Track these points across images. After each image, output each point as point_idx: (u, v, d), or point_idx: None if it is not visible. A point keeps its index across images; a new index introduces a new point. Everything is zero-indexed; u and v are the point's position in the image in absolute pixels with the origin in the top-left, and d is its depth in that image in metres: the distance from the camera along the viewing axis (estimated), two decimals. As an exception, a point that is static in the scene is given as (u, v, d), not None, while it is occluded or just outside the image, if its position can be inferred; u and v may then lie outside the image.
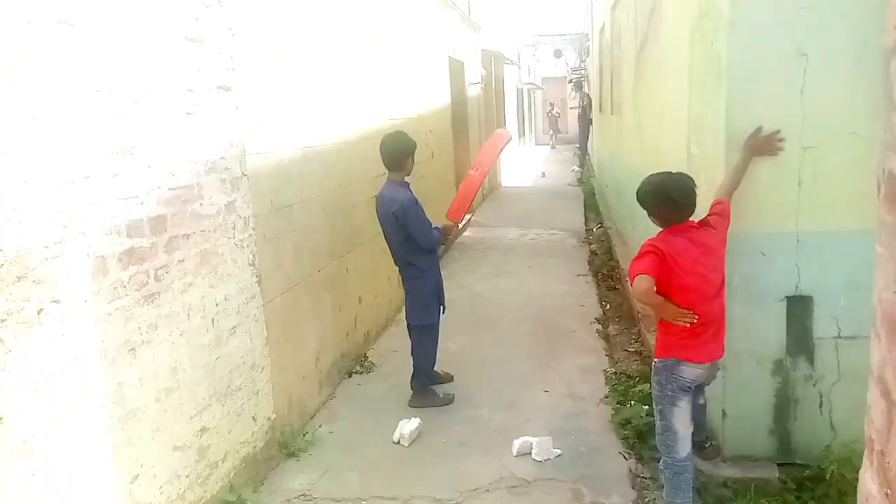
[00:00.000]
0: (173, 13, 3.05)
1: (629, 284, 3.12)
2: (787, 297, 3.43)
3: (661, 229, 3.18)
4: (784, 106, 3.31)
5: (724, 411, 3.57)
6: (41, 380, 2.31)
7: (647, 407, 4.29)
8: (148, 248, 2.85)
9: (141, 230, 2.81)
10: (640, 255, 3.05)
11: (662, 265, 2.99)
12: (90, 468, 2.54)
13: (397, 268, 4.85)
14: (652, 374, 3.27)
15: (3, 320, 2.17)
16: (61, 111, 2.42)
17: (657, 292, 3.05)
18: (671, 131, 4.95)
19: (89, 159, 2.54)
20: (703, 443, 3.55)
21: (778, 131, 3.30)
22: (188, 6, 3.16)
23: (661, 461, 3.24)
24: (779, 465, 3.50)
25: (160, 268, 2.92)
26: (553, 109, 30.59)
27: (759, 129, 3.30)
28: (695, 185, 3.14)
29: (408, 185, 4.77)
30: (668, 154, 5.11)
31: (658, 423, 3.23)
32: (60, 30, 2.42)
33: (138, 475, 2.78)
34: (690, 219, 3.15)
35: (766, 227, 3.41)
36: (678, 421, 3.13)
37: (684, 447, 3.13)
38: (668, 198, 3.08)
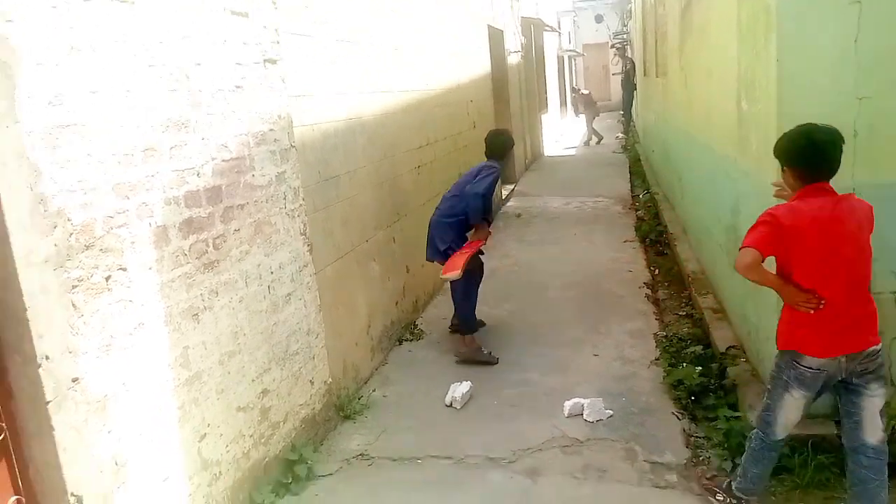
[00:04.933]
0: (219, -13, 3.12)
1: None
2: (843, 250, 3.34)
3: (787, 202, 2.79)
4: (838, 55, 3.21)
5: (778, 368, 3.53)
6: (112, 343, 2.44)
7: (700, 367, 4.28)
8: (205, 217, 2.95)
9: (198, 200, 2.91)
10: (755, 225, 2.70)
11: (780, 238, 2.63)
12: (161, 427, 2.67)
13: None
14: (775, 356, 2.94)
15: (74, 287, 2.28)
16: (118, 86, 2.51)
17: (779, 270, 2.71)
18: (720, 89, 4.84)
19: (147, 132, 2.64)
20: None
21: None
22: (233, -20, 3.22)
23: (754, 431, 3.05)
24: (836, 421, 3.44)
25: (218, 237, 3.02)
26: (579, 91, 22.31)
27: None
28: (843, 142, 2.69)
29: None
30: (717, 112, 5.01)
31: (764, 398, 2.97)
32: (114, 6, 2.50)
33: (206, 434, 2.91)
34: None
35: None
36: (782, 408, 2.85)
37: (781, 432, 2.90)
38: (807, 142, 2.67)
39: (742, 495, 3.11)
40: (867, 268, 2.72)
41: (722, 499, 3.19)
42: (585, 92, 21.55)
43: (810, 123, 2.76)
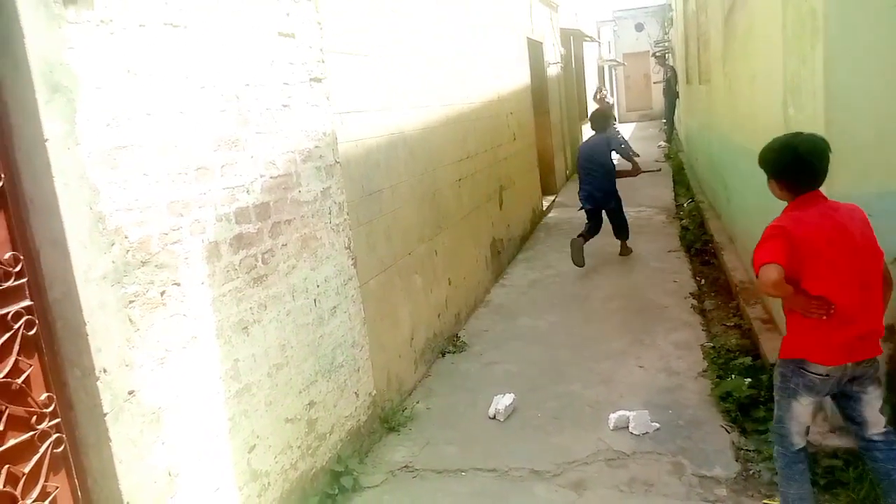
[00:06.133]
0: (266, 10, 3.21)
1: (753, 275, 2.70)
2: (897, 259, 3.26)
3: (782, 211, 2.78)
4: (887, 58, 3.14)
5: (831, 380, 3.44)
6: (166, 356, 2.51)
7: (749, 379, 4.19)
8: (255, 233, 3.03)
9: (248, 217, 2.99)
10: (764, 239, 2.65)
11: (792, 249, 2.56)
12: (212, 438, 2.74)
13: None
14: (776, 366, 2.92)
15: (131, 301, 2.37)
16: (172, 108, 2.60)
17: (788, 279, 2.60)
18: (765, 95, 4.76)
19: (199, 152, 2.72)
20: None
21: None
22: (280, 2, 3.31)
23: (775, 450, 2.98)
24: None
25: (266, 251, 3.10)
26: (602, 94, 17.63)
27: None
28: (829, 149, 2.68)
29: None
30: (762, 119, 4.93)
31: (775, 412, 2.92)
32: (167, 31, 2.60)
33: (255, 445, 2.97)
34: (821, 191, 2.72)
35: (873, 187, 3.24)
36: (793, 417, 2.81)
37: (797, 442, 2.83)
38: (795, 157, 2.66)
39: None
40: (877, 273, 2.67)
41: None
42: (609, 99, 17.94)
43: (795, 134, 2.77)
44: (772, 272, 2.53)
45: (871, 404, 2.74)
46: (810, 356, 2.70)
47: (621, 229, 8.03)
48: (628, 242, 8.11)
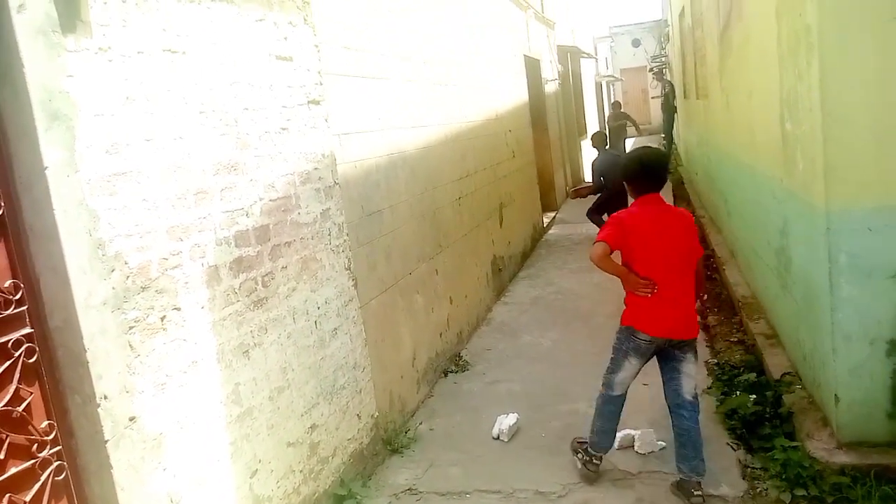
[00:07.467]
0: (264, 34, 3.23)
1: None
2: (899, 273, 3.25)
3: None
4: (882, 73, 3.15)
5: (836, 396, 3.42)
6: (167, 382, 2.50)
7: (754, 396, 4.17)
8: (254, 256, 3.02)
9: (247, 240, 2.99)
10: (604, 226, 3.43)
11: (625, 235, 3.30)
12: (214, 463, 2.71)
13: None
14: (616, 332, 3.59)
15: (131, 327, 2.36)
16: (171, 133, 2.61)
17: (624, 262, 3.39)
18: (762, 110, 4.78)
19: (198, 176, 2.73)
20: (691, 487, 3.41)
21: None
22: (277, 26, 3.33)
23: (599, 395, 3.64)
24: (901, 448, 3.31)
25: (266, 274, 3.10)
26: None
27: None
28: (668, 164, 3.52)
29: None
30: (761, 133, 4.94)
31: (608, 366, 3.60)
32: (165, 57, 2.62)
33: (257, 470, 2.95)
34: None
35: (872, 202, 3.25)
36: (621, 370, 3.51)
37: (618, 389, 3.55)
38: (638, 164, 3.43)
39: (594, 451, 3.65)
40: (691, 267, 3.42)
41: (581, 457, 3.72)
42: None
43: (643, 148, 3.61)
44: (599, 248, 3.27)
45: (688, 367, 3.48)
46: (638, 325, 3.41)
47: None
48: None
